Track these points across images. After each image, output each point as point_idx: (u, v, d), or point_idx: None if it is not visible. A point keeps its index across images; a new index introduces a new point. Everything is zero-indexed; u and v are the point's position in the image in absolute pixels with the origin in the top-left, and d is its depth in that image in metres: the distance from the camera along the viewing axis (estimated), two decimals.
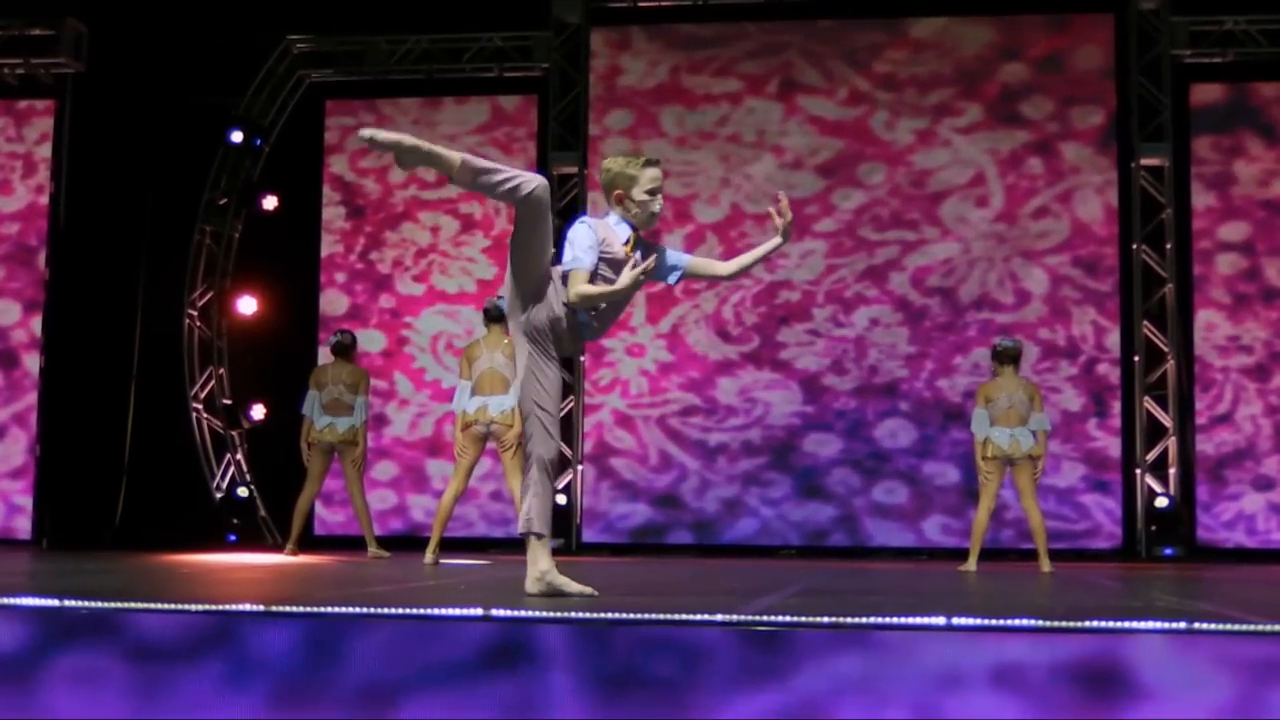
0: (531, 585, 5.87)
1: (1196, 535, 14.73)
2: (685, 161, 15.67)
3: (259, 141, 16.38)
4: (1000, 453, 11.36)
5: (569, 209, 15.97)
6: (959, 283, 15.18)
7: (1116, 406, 14.91)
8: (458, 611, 4.43)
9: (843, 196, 15.45)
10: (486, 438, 11.24)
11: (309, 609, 4.51)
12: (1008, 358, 11.52)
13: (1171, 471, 14.81)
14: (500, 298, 11.42)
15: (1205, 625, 4.10)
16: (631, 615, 4.35)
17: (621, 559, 13.16)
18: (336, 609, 4.47)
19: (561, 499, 15.24)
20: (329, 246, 16.20)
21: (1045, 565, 11.22)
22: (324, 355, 15.87)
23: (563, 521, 15.29)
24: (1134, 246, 15.07)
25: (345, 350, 12.86)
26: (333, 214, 16.23)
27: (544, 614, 4.40)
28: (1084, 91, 15.31)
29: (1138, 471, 14.85)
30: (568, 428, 15.83)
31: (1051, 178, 15.25)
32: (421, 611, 4.43)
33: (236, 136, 16.19)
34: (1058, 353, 15.00)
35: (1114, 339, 14.97)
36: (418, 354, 15.87)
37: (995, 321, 15.04)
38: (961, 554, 14.57)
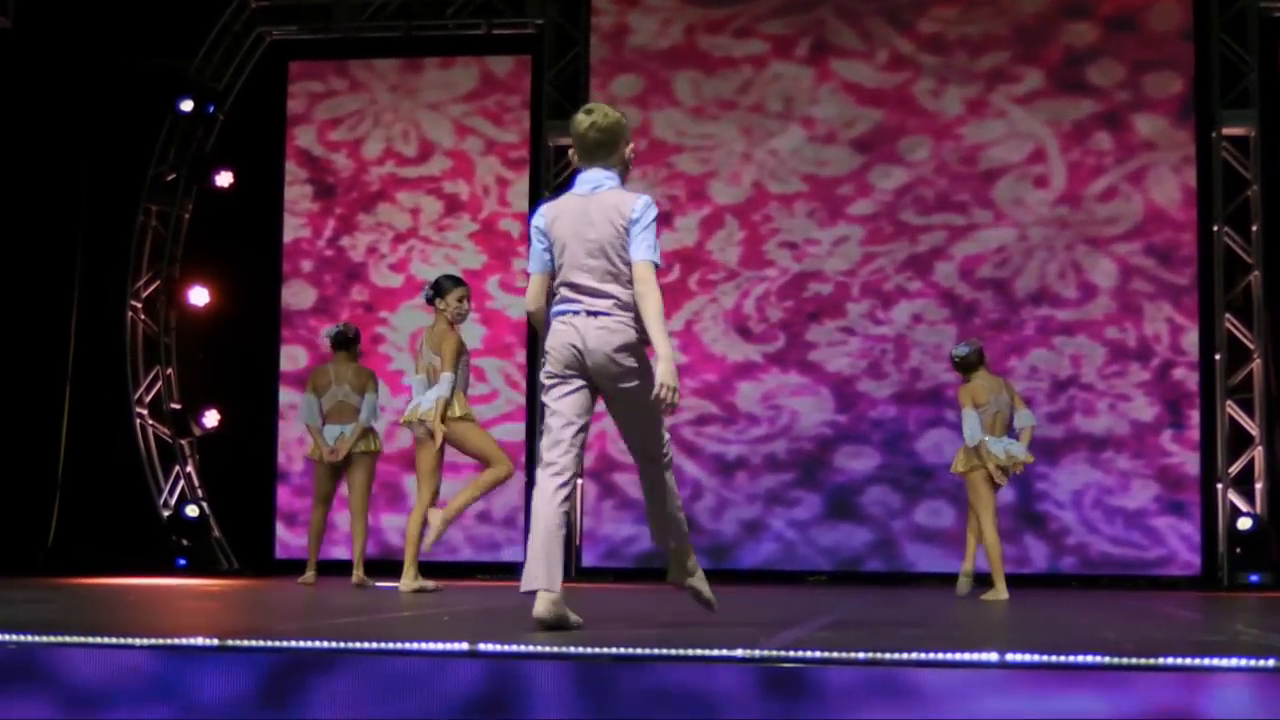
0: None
1: None
2: (702, 134, 15.67)
3: (212, 109, 16.39)
4: (998, 463, 11.39)
5: (567, 183, 15.94)
6: (1014, 274, 15.17)
7: (1195, 417, 14.89)
8: (440, 646, 4.42)
9: (881, 175, 15.44)
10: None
11: (269, 644, 4.50)
12: (970, 365, 11.51)
13: (1258, 487, 14.80)
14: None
15: None
16: (637, 651, 4.34)
17: (626, 585, 13.16)
18: (300, 644, 4.46)
19: None
20: (293, 230, 16.21)
21: (1003, 592, 11.21)
22: (291, 354, 15.91)
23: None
24: (1215, 229, 15.07)
25: (348, 344, 12.36)
26: (298, 193, 16.24)
27: (539, 649, 4.40)
28: (1159, 55, 15.30)
29: (1219, 487, 14.84)
30: None
31: (1121, 154, 15.23)
32: (398, 646, 4.41)
33: (186, 104, 16.20)
34: (1127, 355, 14.99)
35: (1192, 339, 14.96)
36: (394, 354, 15.88)
37: (1056, 319, 15.03)
38: (1015, 581, 14.56)
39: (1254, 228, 15.06)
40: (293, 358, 15.97)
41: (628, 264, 5.83)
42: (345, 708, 4.19)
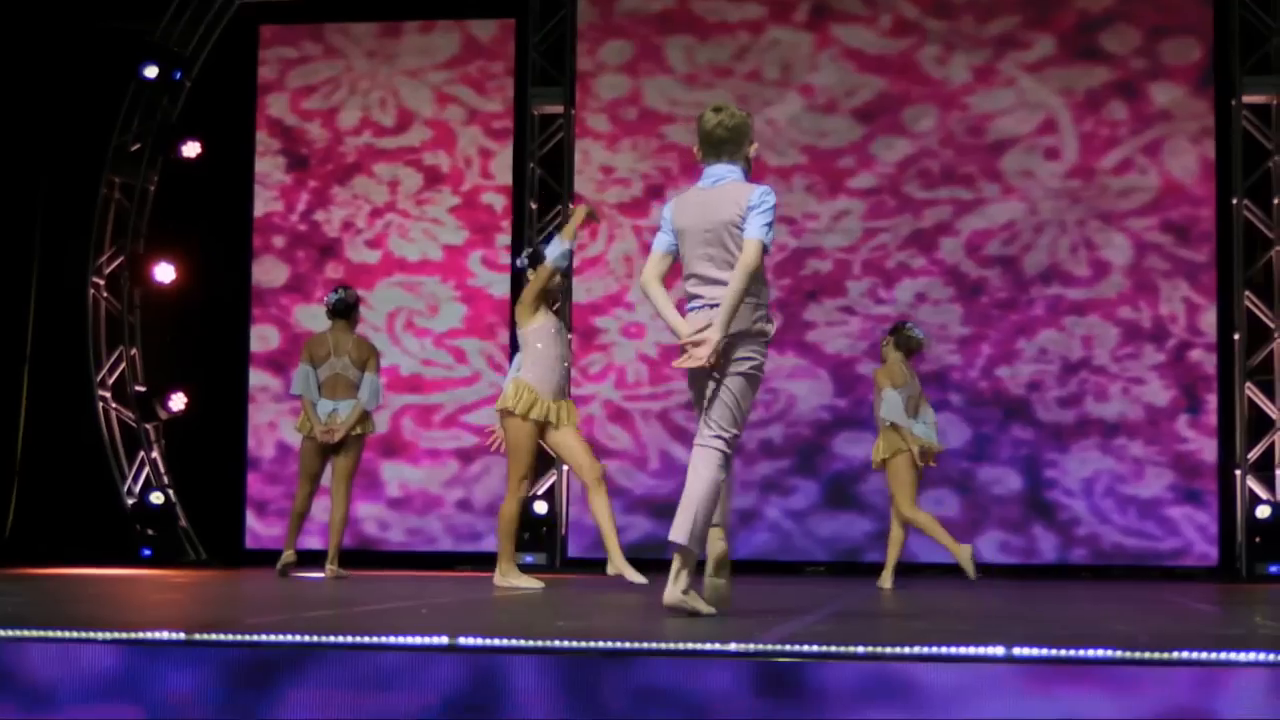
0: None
1: None
2: (695, 103, 15.63)
3: (179, 75, 16.33)
4: (921, 444, 11.53)
5: (553, 155, 15.97)
6: (1023, 251, 15.17)
7: (1212, 401, 14.90)
8: (418, 640, 4.42)
9: (884, 146, 15.43)
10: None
11: (239, 638, 4.49)
12: (912, 349, 11.70)
13: (1278, 473, 14.81)
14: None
15: None
16: (626, 645, 4.34)
17: (614, 577, 13.14)
18: (271, 637, 4.46)
19: (542, 507, 15.26)
20: (265, 204, 16.18)
21: (888, 581, 11.52)
22: (262, 334, 15.88)
23: (546, 534, 15.32)
24: (1234, 201, 15.07)
25: (348, 312, 11.97)
26: (269, 165, 16.21)
27: (521, 643, 4.39)
28: (1177, 20, 15.29)
29: (1237, 473, 14.85)
30: None
31: (1137, 125, 15.23)
32: (374, 640, 4.41)
33: (151, 70, 16.15)
34: (1142, 336, 14.99)
35: (1210, 319, 14.96)
36: (371, 334, 15.81)
37: (1066, 298, 15.03)
38: (1023, 573, 14.59)
39: (1275, 201, 15.06)
40: (264, 338, 15.94)
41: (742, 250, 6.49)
42: (318, 706, 4.19)
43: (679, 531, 6.64)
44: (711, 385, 6.60)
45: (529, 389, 10.13)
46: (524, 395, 10.13)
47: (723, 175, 6.71)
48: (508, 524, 10.28)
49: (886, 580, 11.55)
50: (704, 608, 6.61)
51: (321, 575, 11.47)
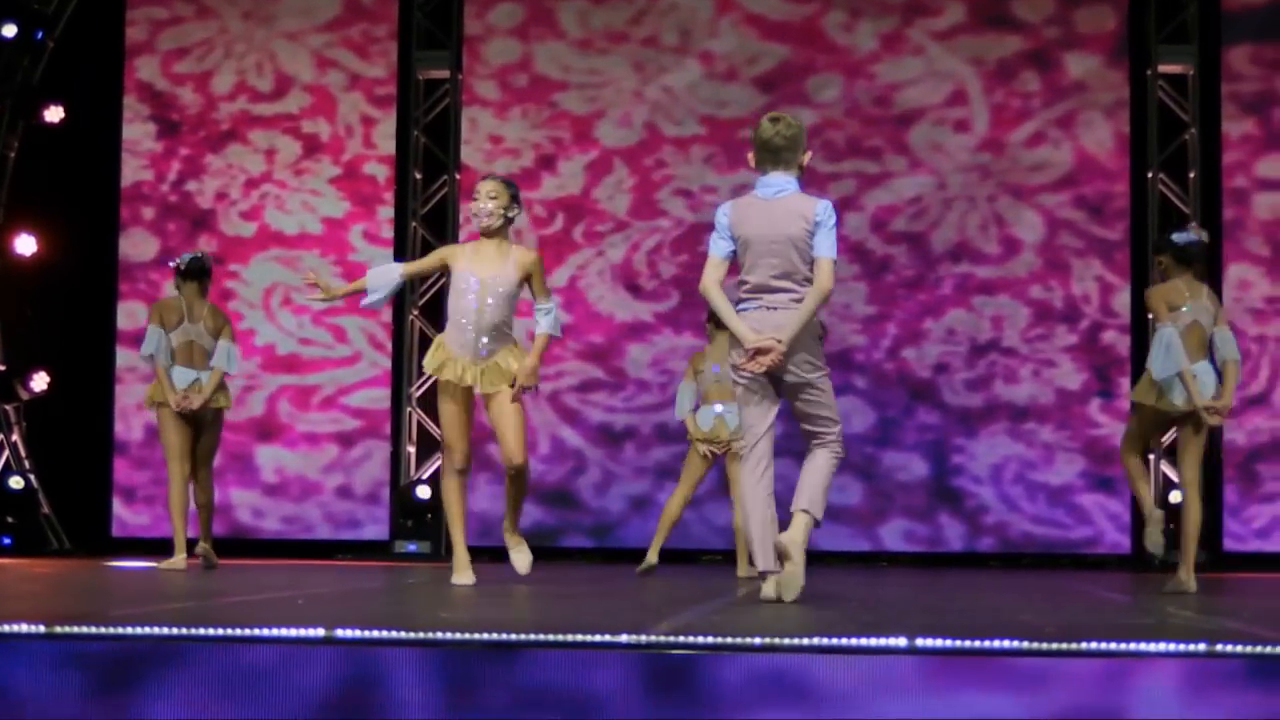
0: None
1: (1222, 543, 14.90)
2: (589, 70, 15.64)
3: (40, 35, 16.15)
4: (704, 436, 11.75)
5: (438, 122, 15.93)
6: (931, 227, 15.26)
7: (1126, 384, 15.03)
8: (293, 633, 4.41)
9: None
10: None
11: (103, 630, 4.46)
12: (720, 323, 11.82)
13: None
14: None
15: (1230, 647, 4.15)
16: (511, 637, 4.34)
17: (502, 564, 13.13)
18: (137, 630, 4.43)
19: (425, 492, 15.25)
20: (133, 173, 16.03)
21: (653, 558, 11.80)
22: (130, 310, 15.74)
23: (430, 520, 15.29)
24: (1149, 175, 15.22)
25: (203, 275, 11.57)
26: (138, 131, 16.06)
27: (401, 635, 4.39)
28: None
29: (1150, 458, 14.99)
30: (435, 403, 15.79)
31: (1050, 96, 15.34)
32: (247, 633, 4.40)
33: (9, 29, 15.96)
34: (1053, 316, 15.12)
35: (1124, 300, 15.10)
36: (246, 311, 15.75)
37: (976, 276, 15.14)
38: (929, 561, 14.70)
39: (1191, 175, 15.23)
40: (132, 315, 15.79)
41: (806, 262, 7.18)
42: (186, 705, 4.17)
43: (816, 505, 7.40)
44: (798, 399, 7.30)
45: (442, 346, 9.50)
46: (434, 353, 9.51)
47: (782, 186, 7.30)
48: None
49: (652, 558, 11.79)
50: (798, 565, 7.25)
51: (178, 564, 11.26)
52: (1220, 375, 9.49)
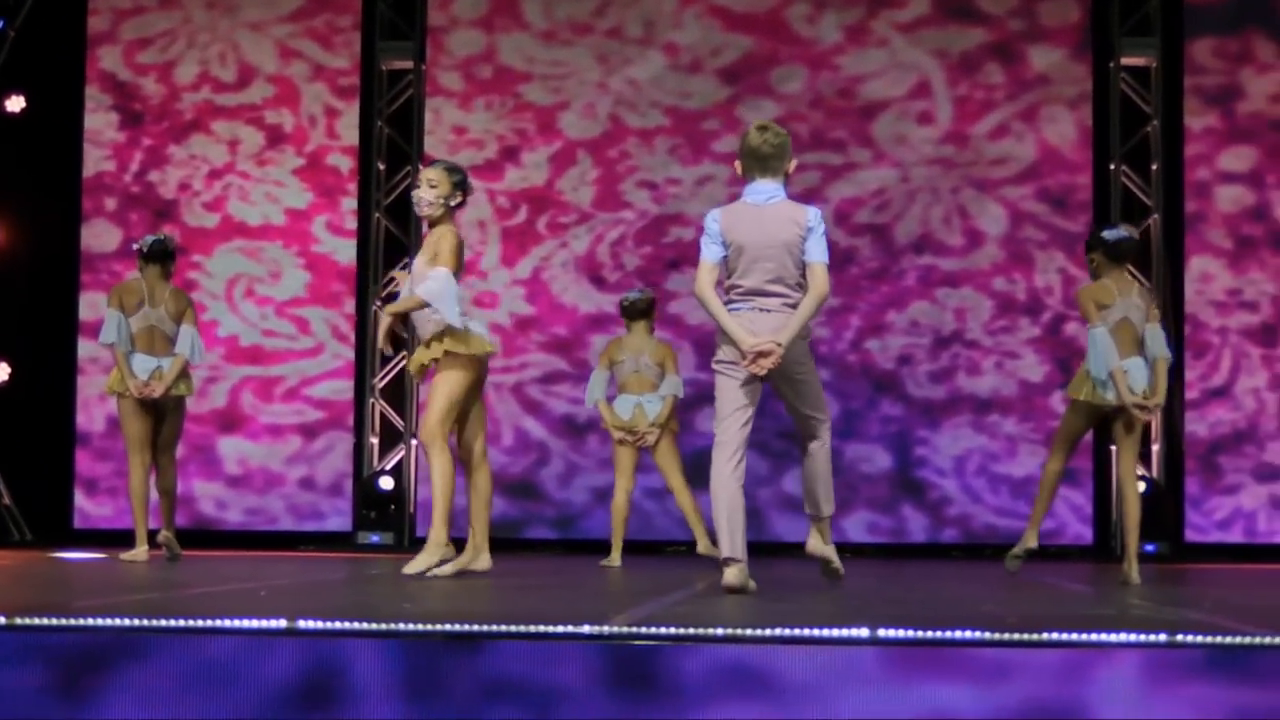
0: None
1: (1184, 535, 14.95)
2: (553, 61, 15.63)
3: (1, 24, 16.10)
4: (621, 424, 11.93)
5: (401, 114, 15.92)
6: (894, 219, 15.28)
7: None
8: (255, 624, 4.40)
9: (751, 108, 15.46)
10: None
11: (64, 621, 4.45)
12: (637, 312, 11.98)
13: (1154, 449, 15.07)
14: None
15: (1191, 638, 4.16)
16: (474, 628, 4.34)
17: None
18: (98, 621, 4.42)
19: (388, 483, 15.25)
20: (96, 163, 15.97)
21: (705, 546, 11.92)
22: (92, 301, 15.69)
23: (394, 511, 15.29)
24: (1111, 167, 15.27)
25: (165, 258, 11.36)
26: (101, 121, 16.00)
27: (363, 626, 4.38)
28: None
29: (1112, 449, 15.04)
30: (398, 395, 15.80)
31: (1013, 89, 15.37)
32: (209, 624, 4.39)
33: None
34: (1016, 308, 15.15)
35: None
36: (210, 302, 15.70)
37: (939, 269, 15.16)
38: (892, 552, 14.73)
39: (1154, 166, 15.29)
40: (94, 305, 15.72)
41: (797, 266, 7.43)
42: (147, 697, 4.16)
43: (828, 507, 7.98)
44: (790, 387, 7.65)
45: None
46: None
47: (772, 193, 7.57)
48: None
49: (704, 544, 11.90)
50: (836, 560, 8.21)
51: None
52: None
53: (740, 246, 7.47)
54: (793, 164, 7.77)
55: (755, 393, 7.55)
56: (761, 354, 7.33)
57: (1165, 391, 9.68)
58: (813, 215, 7.53)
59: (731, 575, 7.27)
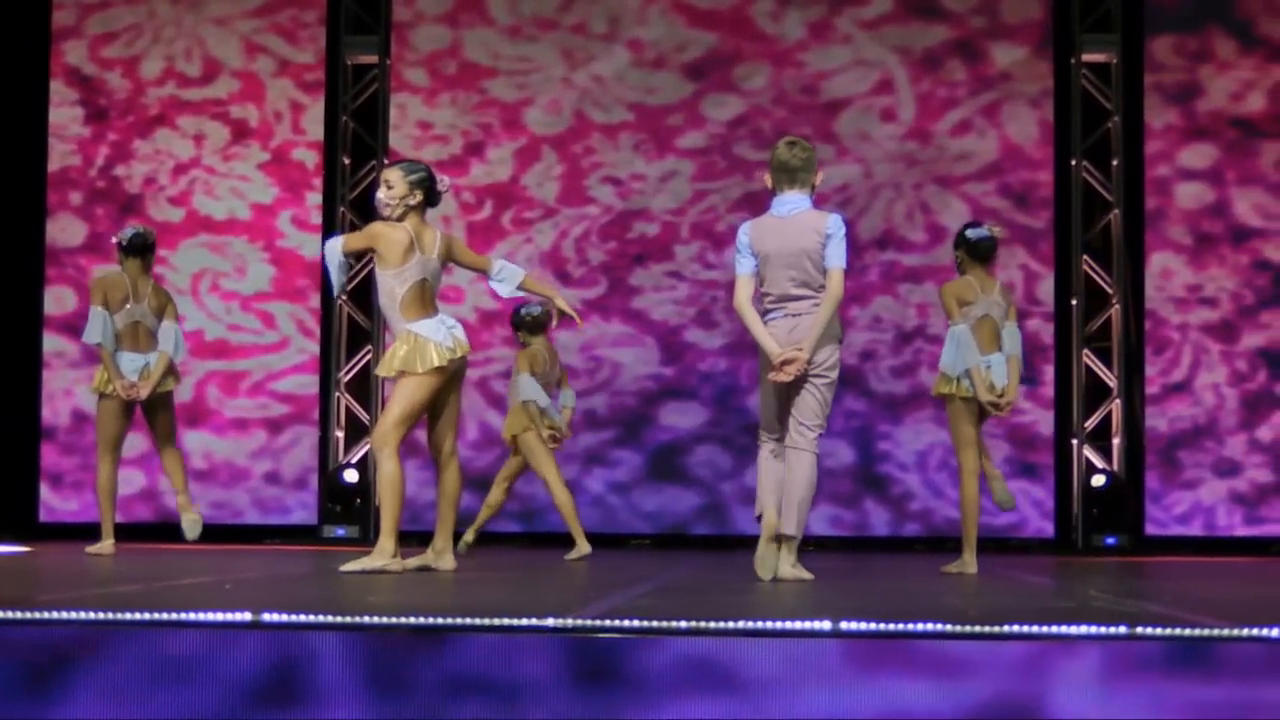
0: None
1: (1144, 528, 15.00)
2: (519, 57, 15.62)
3: None
4: (554, 423, 12.07)
5: (367, 108, 15.91)
6: (858, 215, 15.30)
7: (1049, 372, 15.13)
8: (220, 617, 4.39)
9: (715, 104, 15.48)
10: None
11: (29, 614, 4.44)
12: (540, 326, 12.12)
13: (1115, 442, 15.14)
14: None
15: (1150, 630, 4.18)
16: (437, 621, 4.34)
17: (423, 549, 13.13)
18: (66, 614, 4.41)
19: (353, 476, 15.23)
20: (61, 158, 15.92)
21: (584, 546, 11.88)
22: (57, 295, 15.64)
23: (358, 505, 15.27)
24: (1073, 162, 15.32)
25: (147, 251, 11.22)
26: (66, 116, 15.95)
27: (327, 619, 4.38)
28: None
29: (1074, 443, 15.13)
30: (363, 389, 15.79)
31: (976, 86, 15.40)
32: (173, 617, 4.38)
33: None
34: None
35: (1048, 288, 15.18)
36: (175, 296, 15.58)
37: (901, 264, 15.19)
38: (855, 545, 14.76)
39: (1114, 162, 15.34)
40: (59, 300, 15.70)
41: (820, 270, 8.00)
42: (112, 690, 4.16)
43: (790, 525, 8.00)
44: (798, 388, 8.03)
45: None
46: None
47: (796, 204, 8.15)
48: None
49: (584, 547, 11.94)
50: (806, 574, 8.12)
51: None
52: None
53: (766, 256, 8.08)
54: (819, 176, 8.27)
55: (788, 389, 8.04)
56: (787, 361, 7.87)
57: (1016, 390, 10.02)
58: (833, 222, 8.06)
59: (770, 517, 8.02)
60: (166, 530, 14.66)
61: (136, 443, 15.40)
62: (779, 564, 8.03)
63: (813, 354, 7.96)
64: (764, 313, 8.13)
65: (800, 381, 8.03)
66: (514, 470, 12.44)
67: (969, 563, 9.89)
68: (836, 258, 8.04)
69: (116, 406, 11.04)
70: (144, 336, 11.07)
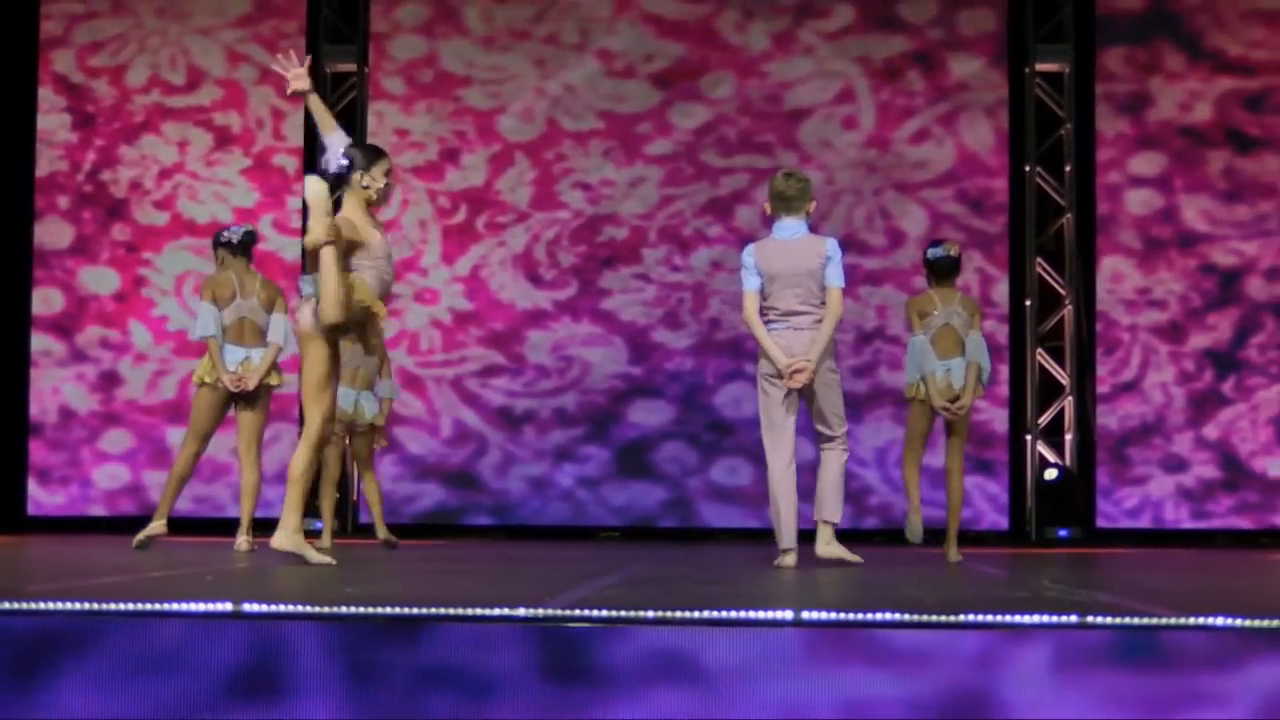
0: None
1: (1095, 522, 15.04)
2: (492, 66, 15.61)
3: None
4: (346, 416, 12.03)
5: (345, 116, 15.83)
6: (820, 220, 15.28)
7: (1004, 371, 15.16)
8: (202, 607, 4.38)
9: (682, 113, 15.49)
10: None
11: (17, 605, 4.42)
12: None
13: (1068, 438, 15.20)
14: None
15: (1100, 619, 4.19)
16: (412, 611, 4.33)
17: (407, 542, 13.13)
18: (50, 604, 4.39)
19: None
20: (49, 163, 15.88)
21: (383, 534, 12.47)
22: (45, 296, 15.59)
23: (339, 500, 15.22)
24: (1027, 168, 15.37)
25: (250, 249, 11.01)
26: (54, 123, 15.90)
27: (307, 609, 4.37)
28: None
29: (1027, 438, 15.17)
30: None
31: (933, 95, 15.42)
32: (155, 607, 4.37)
33: None
34: None
35: (1002, 290, 15.22)
36: (159, 298, 15.64)
37: (863, 267, 15.21)
38: (812, 537, 14.79)
39: (1067, 168, 15.40)
40: (47, 300, 15.65)
41: (819, 288, 8.54)
42: (95, 679, 4.14)
43: (835, 513, 8.92)
44: (811, 394, 8.64)
45: None
46: None
47: (796, 229, 8.61)
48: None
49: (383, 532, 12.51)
50: (851, 556, 8.88)
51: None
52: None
53: (772, 275, 8.54)
54: (812, 204, 8.71)
55: (795, 401, 8.66)
56: (796, 370, 8.44)
57: (971, 394, 10.26)
58: (831, 246, 8.60)
59: (789, 560, 8.63)
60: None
61: (120, 439, 15.38)
62: (825, 546, 8.82)
63: (819, 366, 8.52)
64: (766, 323, 8.60)
65: (816, 395, 8.63)
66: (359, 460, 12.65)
67: (950, 554, 10.38)
68: (836, 278, 8.57)
69: (216, 398, 10.75)
70: (250, 331, 10.75)
